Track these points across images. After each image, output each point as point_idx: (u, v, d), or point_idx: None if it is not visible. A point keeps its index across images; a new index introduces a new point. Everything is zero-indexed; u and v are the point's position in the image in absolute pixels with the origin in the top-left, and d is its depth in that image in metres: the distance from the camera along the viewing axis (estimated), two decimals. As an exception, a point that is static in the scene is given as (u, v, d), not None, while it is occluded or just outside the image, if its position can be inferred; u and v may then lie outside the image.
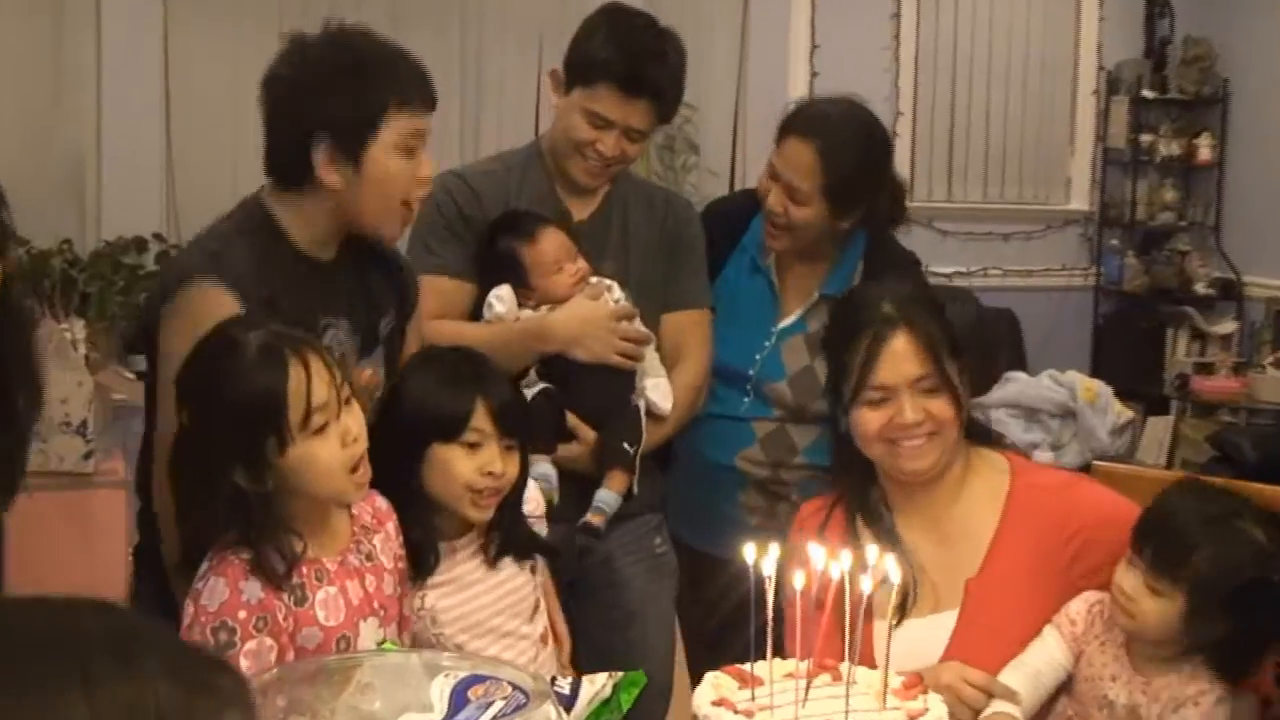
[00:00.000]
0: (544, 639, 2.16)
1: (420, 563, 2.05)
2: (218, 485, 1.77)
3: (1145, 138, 6.39)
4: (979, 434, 2.27)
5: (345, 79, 2.08)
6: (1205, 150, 6.39)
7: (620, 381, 2.56)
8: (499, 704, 1.54)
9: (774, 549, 1.75)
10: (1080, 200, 6.48)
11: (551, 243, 2.54)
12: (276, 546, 1.76)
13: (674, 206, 2.77)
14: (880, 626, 2.10)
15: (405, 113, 2.10)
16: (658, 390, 2.60)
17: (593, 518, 2.50)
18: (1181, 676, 1.99)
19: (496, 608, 2.11)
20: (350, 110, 2.08)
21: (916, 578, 2.14)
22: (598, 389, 2.55)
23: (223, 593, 1.72)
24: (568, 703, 1.78)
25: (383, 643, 1.85)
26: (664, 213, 2.73)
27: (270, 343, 1.78)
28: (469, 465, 2.05)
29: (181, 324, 1.98)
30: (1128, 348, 6.19)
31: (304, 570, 1.80)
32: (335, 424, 1.79)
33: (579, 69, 2.58)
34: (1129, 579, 2.01)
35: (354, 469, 1.81)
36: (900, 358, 2.13)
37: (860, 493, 2.22)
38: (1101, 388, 5.61)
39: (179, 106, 5.06)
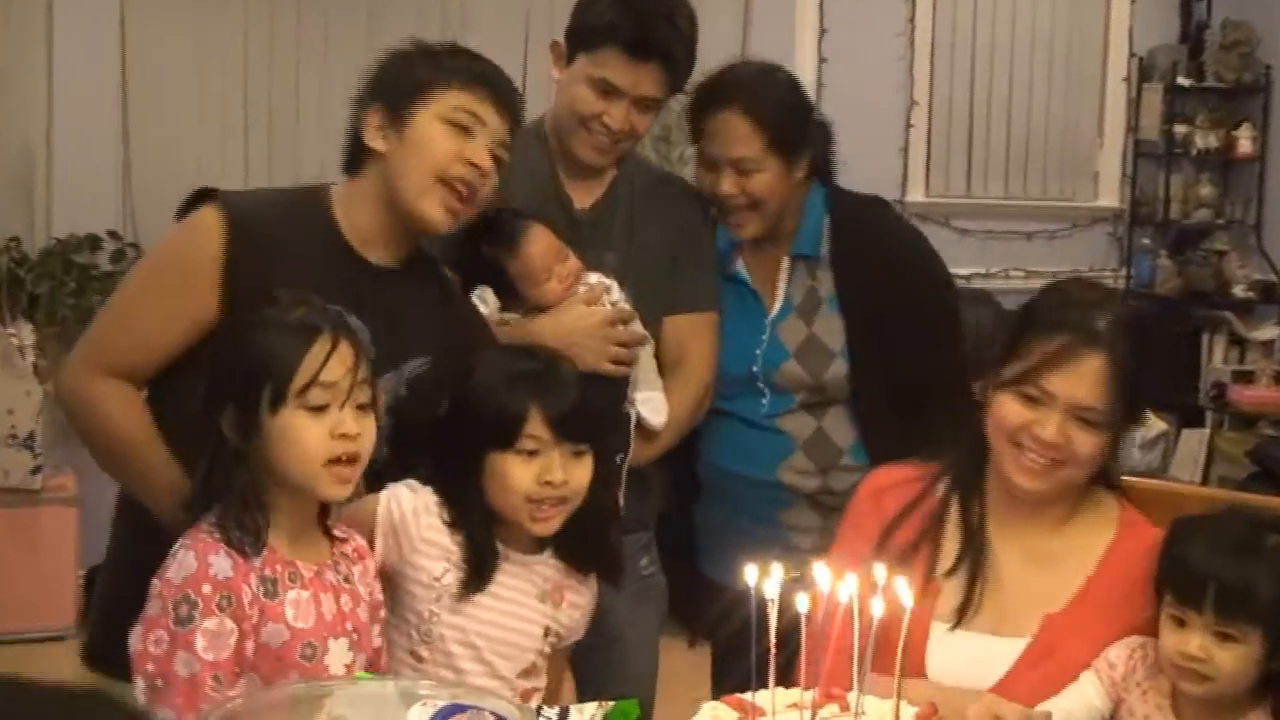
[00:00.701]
0: (526, 697, 2.16)
1: (476, 563, 2.09)
2: (209, 427, 1.87)
3: (1180, 129, 6.47)
4: (1104, 476, 2.26)
5: (416, 55, 2.25)
6: (1245, 142, 6.47)
7: (612, 389, 2.56)
8: None
9: (777, 568, 1.76)
10: (1109, 196, 6.57)
11: (538, 248, 2.54)
12: (244, 513, 1.84)
13: (686, 196, 2.77)
14: (938, 635, 2.15)
15: (466, 91, 2.21)
16: (649, 404, 2.62)
17: None
18: None
19: (499, 634, 2.14)
20: (407, 75, 2.22)
21: (985, 589, 2.17)
22: (590, 399, 2.52)
23: (190, 565, 1.80)
24: None
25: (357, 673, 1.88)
26: (674, 203, 2.74)
27: (313, 316, 1.90)
28: (526, 474, 2.07)
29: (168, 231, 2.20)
30: (1162, 353, 6.11)
31: (278, 567, 1.85)
32: (334, 412, 1.87)
33: (583, 35, 2.60)
34: (1193, 639, 2.00)
35: (335, 465, 1.87)
36: (1082, 379, 2.11)
37: (970, 472, 2.23)
38: None
39: (137, 97, 5.09)
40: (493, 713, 1.60)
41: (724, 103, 2.67)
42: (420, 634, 2.10)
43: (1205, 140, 6.47)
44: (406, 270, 2.30)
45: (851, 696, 1.83)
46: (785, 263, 2.77)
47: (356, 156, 2.25)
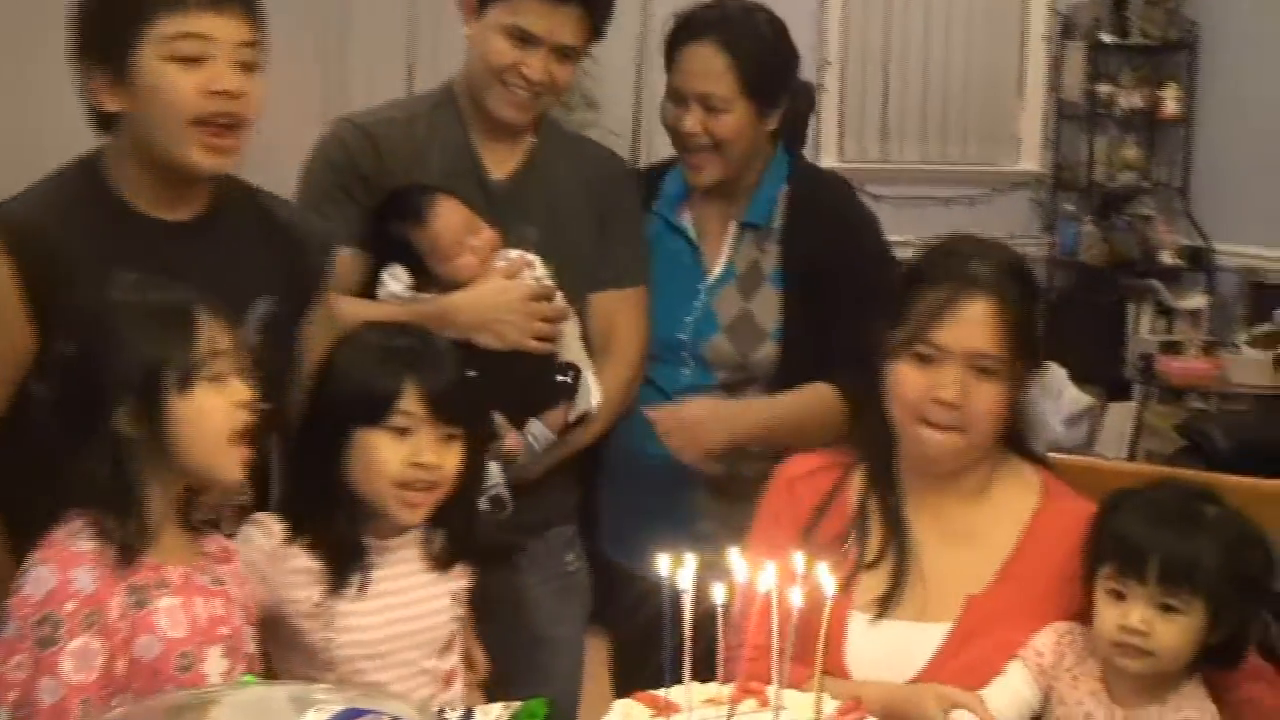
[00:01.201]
0: (449, 678, 2.19)
1: (341, 565, 2.08)
2: (100, 429, 1.82)
3: (1104, 89, 6.63)
4: (1015, 441, 2.31)
5: None
6: (1171, 103, 6.65)
7: (540, 366, 2.58)
8: None
9: (690, 559, 1.77)
10: (1031, 160, 6.76)
11: (448, 221, 2.54)
12: (133, 515, 1.80)
13: (611, 165, 2.80)
14: (858, 626, 2.19)
15: (178, 12, 2.07)
16: (583, 387, 2.63)
17: (509, 443, 2.51)
18: (1166, 707, 2.06)
19: (408, 629, 2.14)
20: (107, 21, 2.08)
21: (908, 576, 2.21)
22: (514, 377, 2.56)
23: (49, 580, 1.75)
24: None
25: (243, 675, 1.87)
26: (599, 172, 2.75)
27: (172, 293, 1.91)
28: (395, 454, 2.07)
29: None
30: (1085, 325, 6.38)
31: (145, 574, 1.82)
32: (231, 381, 1.88)
33: None
34: (1134, 611, 2.04)
35: (237, 443, 1.88)
36: (971, 324, 2.15)
37: (884, 461, 2.27)
38: (1055, 370, 5.74)
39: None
40: (393, 717, 1.60)
41: (701, 34, 2.69)
42: (321, 663, 2.08)
43: (1130, 100, 6.65)
44: (212, 217, 2.21)
45: (771, 691, 1.85)
46: (733, 228, 2.79)
47: (103, 118, 2.14)
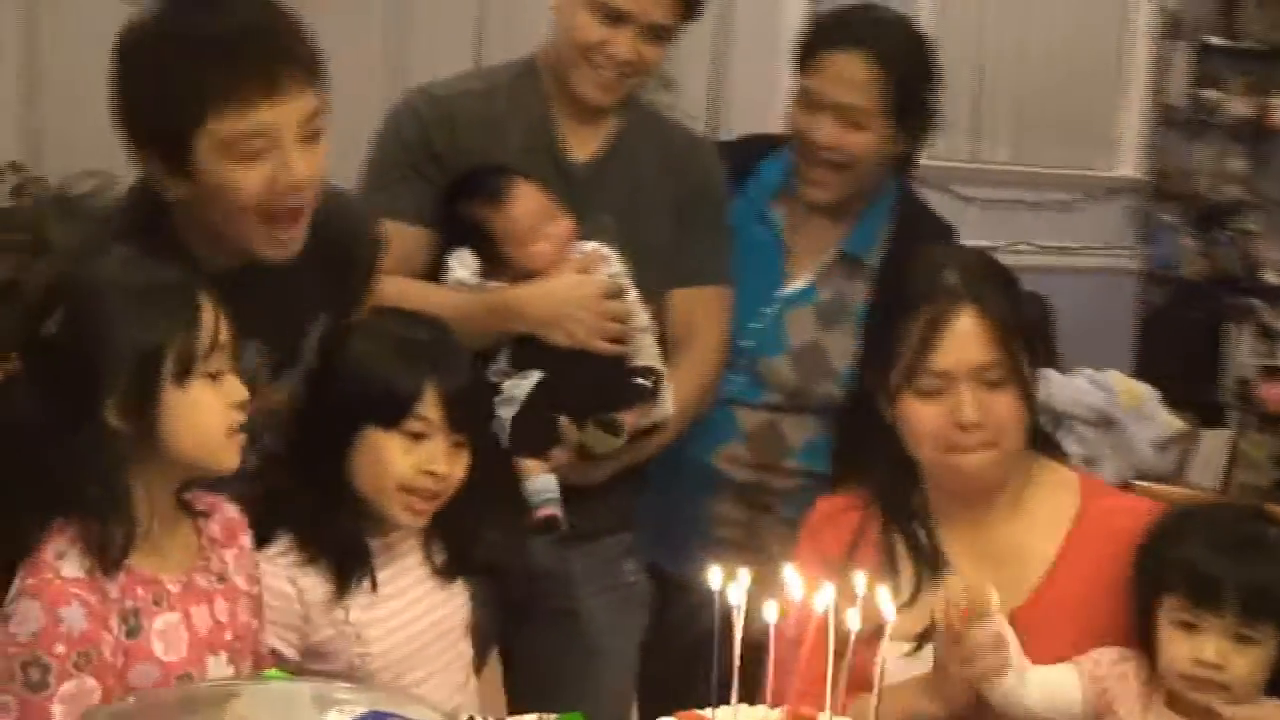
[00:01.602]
0: (468, 668, 2.22)
1: (345, 569, 2.08)
2: (87, 425, 1.76)
3: (1210, 94, 6.60)
4: (1044, 443, 2.32)
5: (159, 76, 1.99)
6: None
7: (608, 368, 2.57)
8: None
9: (744, 573, 1.77)
10: (1128, 166, 6.71)
11: (525, 207, 2.53)
12: (121, 518, 1.76)
13: (698, 153, 2.77)
14: (894, 652, 2.12)
15: (229, 110, 1.97)
16: (663, 405, 2.61)
17: (547, 511, 2.49)
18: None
19: (431, 620, 2.15)
20: (160, 117, 2.00)
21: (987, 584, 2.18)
22: (584, 377, 2.55)
23: (37, 619, 1.71)
24: None
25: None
26: (685, 160, 2.73)
27: (164, 272, 1.83)
28: (407, 459, 2.07)
29: None
30: (1180, 345, 6.46)
31: (139, 591, 1.78)
32: (227, 379, 1.84)
33: None
34: (1209, 644, 2.04)
35: (233, 436, 1.85)
36: (965, 340, 2.17)
37: (900, 498, 2.28)
38: (1147, 392, 5.73)
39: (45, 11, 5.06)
40: None
41: (852, 41, 2.67)
42: (360, 679, 2.07)
43: (1237, 108, 6.60)
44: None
45: (824, 718, 1.83)
46: (831, 251, 2.75)
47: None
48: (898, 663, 2.18)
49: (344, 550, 2.10)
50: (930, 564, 2.27)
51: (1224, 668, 2.04)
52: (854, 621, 1.76)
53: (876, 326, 2.35)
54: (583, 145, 2.64)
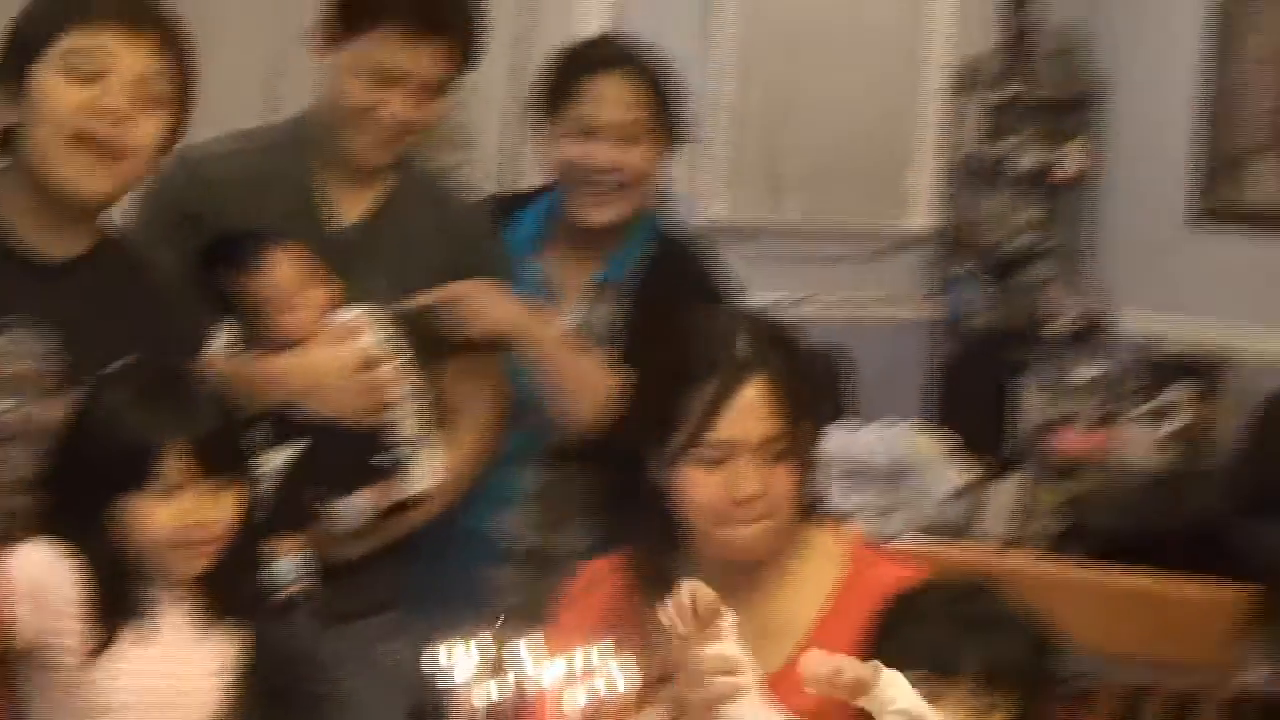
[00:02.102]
0: None
1: (108, 614, 2.10)
2: None
3: (1003, 145, 6.79)
4: (810, 505, 2.37)
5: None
6: (1075, 162, 6.82)
7: (365, 442, 2.63)
8: None
9: (474, 645, 1.83)
10: (922, 219, 6.86)
11: (282, 273, 2.57)
12: None
13: (470, 213, 2.85)
14: None
15: (84, 28, 2.21)
16: (417, 466, 2.67)
17: (291, 586, 2.53)
18: None
19: (181, 685, 2.18)
20: (22, 26, 2.25)
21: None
22: (340, 449, 2.60)
23: None
24: None
25: None
26: (456, 220, 2.79)
27: None
28: (166, 515, 2.10)
29: None
30: (971, 395, 6.58)
31: None
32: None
33: (346, 13, 2.60)
34: (953, 705, 2.08)
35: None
36: (751, 412, 2.22)
37: (663, 564, 2.31)
38: (939, 443, 5.99)
39: None
40: None
41: (613, 62, 2.86)
42: (80, 709, 2.13)
43: (1028, 158, 6.81)
44: (90, 260, 2.31)
45: None
46: (589, 283, 2.88)
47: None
48: None
49: (122, 610, 2.11)
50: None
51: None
52: (578, 699, 1.80)
53: (652, 388, 2.34)
54: (353, 206, 2.69)
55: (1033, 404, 6.73)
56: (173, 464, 2.09)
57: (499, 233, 2.87)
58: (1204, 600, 2.66)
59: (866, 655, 2.15)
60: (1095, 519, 5.83)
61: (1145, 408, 6.36)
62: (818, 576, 2.34)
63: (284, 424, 2.58)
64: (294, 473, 2.56)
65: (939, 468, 5.94)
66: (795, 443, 2.26)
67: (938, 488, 5.91)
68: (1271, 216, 6.26)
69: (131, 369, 2.22)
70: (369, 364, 2.60)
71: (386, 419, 2.62)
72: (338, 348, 2.59)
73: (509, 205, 3.02)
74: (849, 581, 2.33)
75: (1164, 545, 5.03)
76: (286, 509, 2.52)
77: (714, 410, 2.21)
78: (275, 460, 2.54)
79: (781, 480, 2.24)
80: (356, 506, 2.61)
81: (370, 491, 2.61)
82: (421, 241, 2.72)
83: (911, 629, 2.15)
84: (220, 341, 2.58)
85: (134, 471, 2.09)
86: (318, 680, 2.70)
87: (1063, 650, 2.24)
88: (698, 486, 2.24)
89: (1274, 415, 5.83)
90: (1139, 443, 6.22)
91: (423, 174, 2.82)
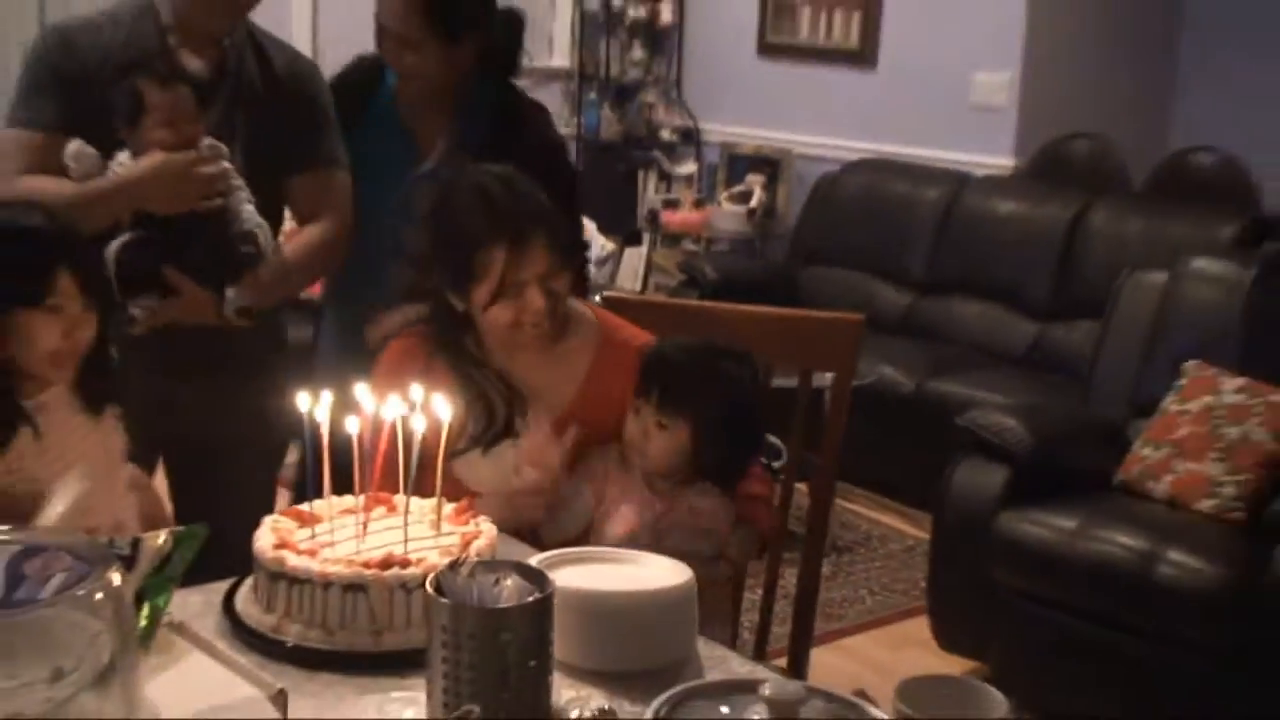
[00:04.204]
0: (130, 487, 2.21)
1: (5, 418, 2.04)
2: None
3: (616, 2, 7.28)
4: (579, 288, 2.49)
5: None
6: (666, 14, 7.35)
7: (213, 227, 2.54)
8: (60, 576, 1.49)
9: (326, 395, 1.87)
10: (561, 58, 7.30)
11: (179, 94, 2.51)
12: None
13: (300, 62, 2.74)
14: (471, 454, 2.33)
15: None
16: (257, 225, 2.56)
17: (133, 310, 2.49)
18: (691, 491, 2.35)
19: (100, 462, 2.13)
20: None
21: (525, 404, 2.36)
22: (193, 236, 2.52)
23: None
24: (129, 563, 1.72)
25: None
26: (289, 69, 2.70)
27: None
28: (54, 331, 2.05)
29: None
30: (607, 189, 6.97)
31: None
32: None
33: None
34: (639, 423, 2.30)
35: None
36: (536, 257, 2.27)
37: (456, 338, 2.38)
38: (587, 224, 6.10)
39: None
40: (68, 551, 1.53)
41: None
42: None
43: (636, 11, 7.32)
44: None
45: (399, 499, 1.94)
46: (446, 133, 2.75)
47: None
48: (476, 461, 2.34)
49: (15, 414, 2.05)
50: (497, 385, 2.36)
51: (647, 440, 2.31)
52: (418, 424, 1.84)
53: (454, 244, 2.31)
54: (196, 62, 2.62)
55: (650, 192, 7.27)
56: (62, 286, 2.04)
57: (322, 79, 2.77)
58: (820, 321, 2.78)
59: (630, 393, 2.33)
60: (701, 273, 6.20)
61: (730, 192, 6.94)
62: (580, 345, 2.42)
63: (139, 224, 2.50)
64: (138, 247, 2.49)
65: (590, 242, 5.76)
66: (570, 259, 2.33)
67: (591, 256, 5.89)
68: (811, 51, 6.99)
69: (13, 210, 2.17)
70: (194, 163, 2.50)
71: (226, 205, 2.54)
72: (171, 154, 2.48)
73: (375, 60, 2.88)
74: (605, 342, 2.43)
75: (752, 288, 5.68)
76: (134, 270, 2.47)
77: (512, 261, 2.24)
78: (115, 242, 2.48)
79: (561, 286, 2.31)
80: (248, 316, 2.56)
81: (247, 282, 2.54)
82: (258, 86, 2.66)
83: (658, 376, 2.31)
84: (77, 162, 2.51)
85: (33, 291, 2.03)
86: (196, 426, 2.64)
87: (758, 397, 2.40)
88: (499, 316, 2.29)
89: (819, 195, 6.55)
90: (728, 217, 6.84)
91: (255, 32, 2.72)
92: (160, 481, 2.74)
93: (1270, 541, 3.63)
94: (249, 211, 2.58)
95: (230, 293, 2.54)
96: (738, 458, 2.38)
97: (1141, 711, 3.75)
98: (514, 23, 2.86)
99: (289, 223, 2.84)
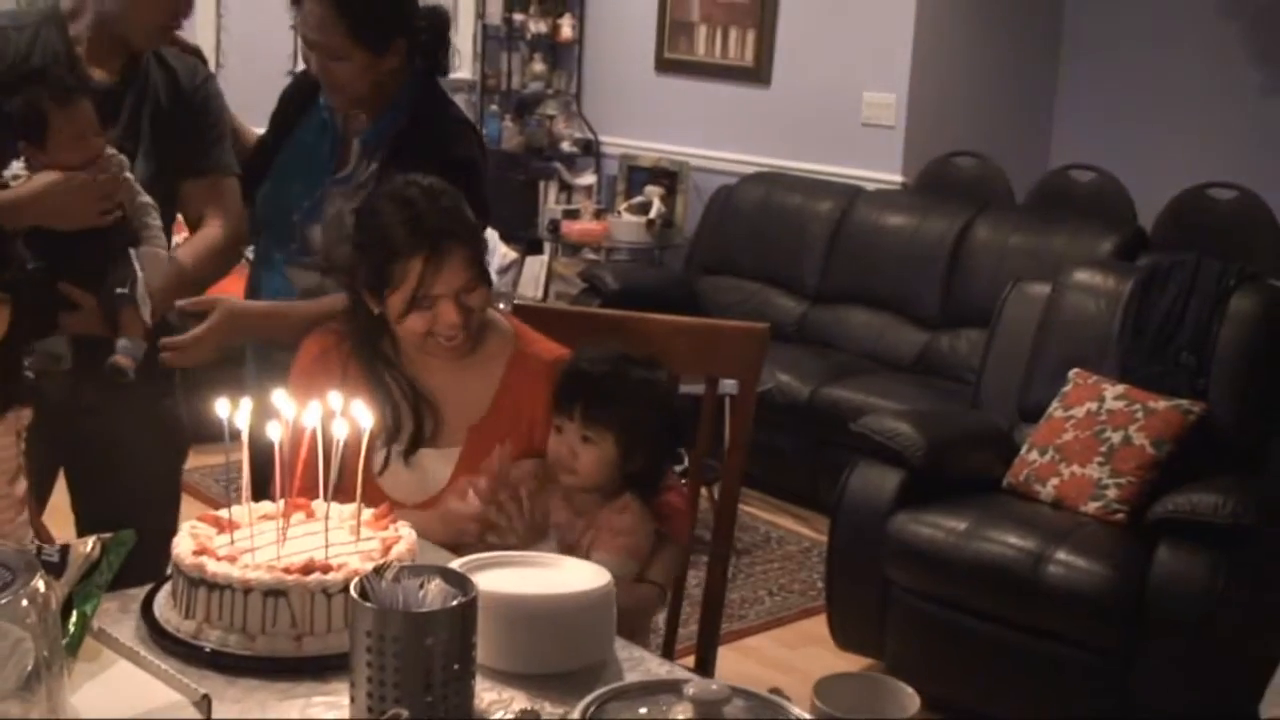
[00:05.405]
0: (21, 505, 2.14)
1: None
2: None
3: (518, 17, 7.36)
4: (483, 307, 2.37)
5: None
6: (567, 29, 7.42)
7: (113, 239, 2.52)
8: None
9: (245, 401, 1.83)
10: (466, 70, 7.31)
11: (82, 111, 2.47)
12: None
13: (196, 71, 2.72)
14: (395, 461, 2.34)
15: None
16: (146, 256, 2.55)
17: (118, 359, 2.48)
18: (611, 508, 2.31)
19: None
20: None
21: (439, 411, 2.35)
22: (90, 251, 2.49)
23: None
24: (57, 570, 1.71)
25: None
26: (189, 80, 2.68)
27: None
28: None
29: None
30: (508, 198, 6.92)
31: None
32: None
33: None
34: (563, 441, 2.28)
35: None
36: (454, 270, 2.25)
37: (372, 342, 2.37)
38: (489, 233, 6.44)
39: None
40: None
41: None
42: None
43: (537, 26, 7.37)
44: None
45: (317, 505, 1.93)
46: (356, 142, 2.71)
47: None
48: (398, 468, 2.36)
49: None
50: (406, 389, 2.35)
51: (575, 457, 2.29)
52: (339, 430, 1.83)
53: (374, 250, 2.29)
54: (104, 71, 2.60)
55: (550, 203, 7.30)
56: None
57: (217, 90, 2.74)
58: (727, 330, 2.79)
59: (545, 405, 2.32)
60: (602, 282, 6.18)
61: (630, 203, 7.02)
62: (494, 355, 2.40)
63: (36, 240, 2.44)
64: (41, 279, 2.42)
65: (493, 250, 6.13)
66: (483, 274, 2.31)
67: (493, 265, 6.05)
68: (708, 67, 7.05)
69: None
70: (104, 181, 2.48)
71: (116, 216, 2.51)
72: (71, 174, 2.44)
73: None
74: (519, 353, 2.41)
75: (652, 296, 5.73)
76: (39, 307, 2.39)
77: (427, 275, 2.23)
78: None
79: (476, 299, 2.30)
80: (131, 344, 2.50)
81: (132, 325, 2.49)
82: (158, 98, 2.65)
83: (579, 391, 2.30)
84: (11, 170, 2.46)
85: None
86: (107, 433, 2.63)
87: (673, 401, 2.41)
88: (414, 325, 2.28)
89: (716, 207, 6.57)
90: (627, 228, 6.90)
91: (159, 50, 2.70)
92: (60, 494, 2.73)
93: (1150, 542, 3.70)
94: (154, 219, 2.57)
95: (121, 341, 2.50)
96: (659, 463, 2.38)
97: (1031, 705, 3.80)
98: (439, 20, 2.77)
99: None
